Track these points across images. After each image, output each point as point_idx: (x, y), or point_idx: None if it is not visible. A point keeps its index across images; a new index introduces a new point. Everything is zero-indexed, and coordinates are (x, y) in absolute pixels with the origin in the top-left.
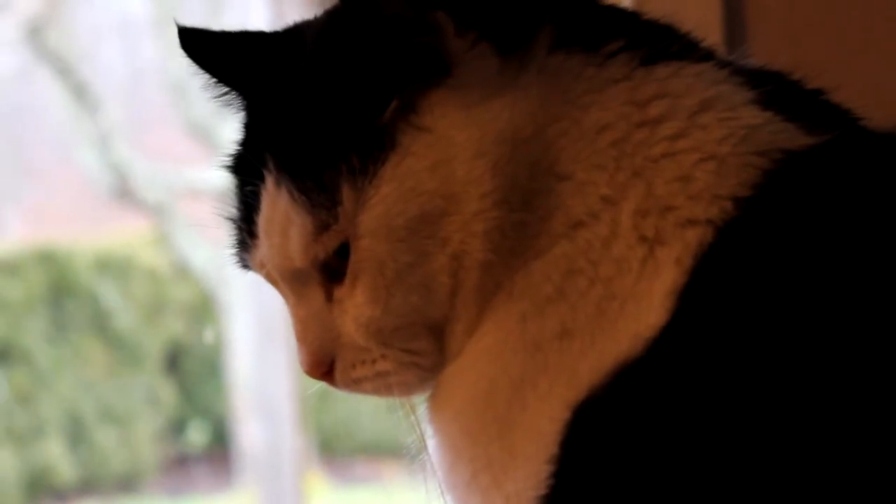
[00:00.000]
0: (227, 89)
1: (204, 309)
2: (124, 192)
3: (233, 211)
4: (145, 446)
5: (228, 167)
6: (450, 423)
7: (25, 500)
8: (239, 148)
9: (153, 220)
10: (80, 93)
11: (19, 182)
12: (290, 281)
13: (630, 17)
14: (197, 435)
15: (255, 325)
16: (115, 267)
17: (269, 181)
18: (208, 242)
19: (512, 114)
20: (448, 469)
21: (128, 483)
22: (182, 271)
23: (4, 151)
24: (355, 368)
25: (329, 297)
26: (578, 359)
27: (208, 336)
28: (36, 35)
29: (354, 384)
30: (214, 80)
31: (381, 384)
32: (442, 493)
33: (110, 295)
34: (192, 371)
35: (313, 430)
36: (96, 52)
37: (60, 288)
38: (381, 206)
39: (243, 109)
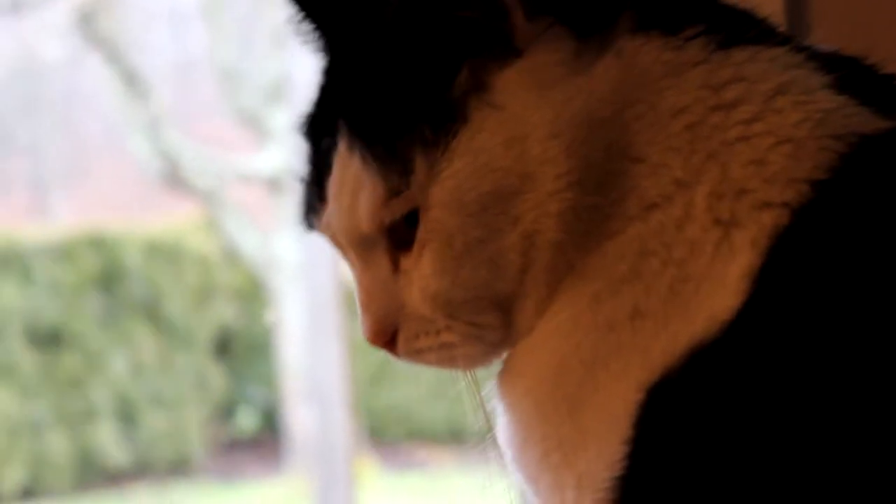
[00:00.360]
0: (312, 27)
1: (253, 294)
2: (174, 179)
3: (303, 173)
4: (195, 431)
5: (301, 128)
6: (520, 401)
7: (77, 482)
8: (313, 109)
9: (203, 206)
10: (131, 80)
11: (71, 169)
12: (356, 247)
13: (708, 2)
14: (246, 420)
15: (306, 311)
16: (165, 252)
17: (342, 144)
18: (257, 228)
19: (589, 96)
20: (519, 447)
21: (178, 467)
22: (231, 257)
23: (56, 138)
24: (419, 339)
25: (395, 267)
26: (651, 339)
27: (266, 319)
28: (87, 22)
29: (417, 354)
30: (302, 13)
31: (444, 356)
32: (511, 471)
33: (160, 280)
34: (242, 356)
35: (363, 415)
36: (146, 39)
37: (111, 273)
38: (453, 179)
39: (323, 54)
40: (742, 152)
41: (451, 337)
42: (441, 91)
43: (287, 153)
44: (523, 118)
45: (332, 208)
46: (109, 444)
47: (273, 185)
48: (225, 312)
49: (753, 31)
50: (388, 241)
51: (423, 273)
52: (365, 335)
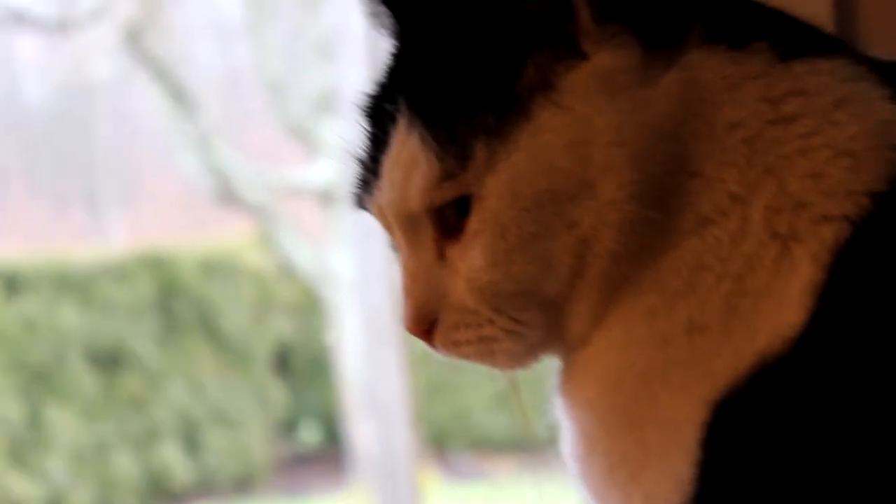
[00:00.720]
0: (382, 7)
1: (310, 309)
2: (226, 194)
3: (360, 150)
4: (257, 447)
5: (363, 106)
6: (582, 414)
7: (143, 502)
8: (377, 89)
9: (256, 221)
10: (179, 96)
11: (123, 188)
12: (404, 227)
13: (774, 14)
14: (308, 434)
15: (364, 324)
16: (220, 269)
17: (402, 122)
18: (310, 242)
19: (654, 108)
20: (583, 461)
21: (241, 484)
22: (286, 271)
23: (107, 158)
24: (459, 330)
25: (440, 254)
26: (711, 354)
27: (323, 334)
28: (134, 40)
29: (454, 346)
30: None
31: (483, 350)
32: (577, 485)
33: (217, 297)
34: (301, 371)
35: (424, 426)
36: (192, 54)
37: (167, 292)
38: (510, 172)
39: (393, 34)
40: (800, 166)
41: (493, 331)
42: (507, 82)
43: (337, 165)
44: (588, 122)
45: (385, 184)
46: (173, 463)
47: (324, 197)
48: (282, 328)
49: (815, 43)
50: (436, 226)
51: (471, 263)
52: (404, 321)
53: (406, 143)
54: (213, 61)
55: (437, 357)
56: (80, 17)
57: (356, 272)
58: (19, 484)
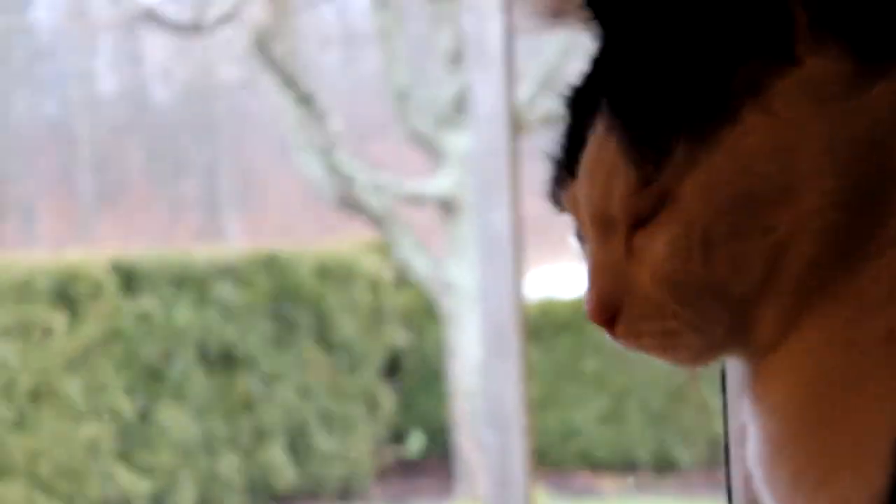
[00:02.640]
0: (590, 10)
1: (424, 317)
2: (346, 200)
3: (557, 145)
4: (364, 453)
5: (564, 99)
6: (770, 416)
7: (247, 502)
8: (580, 84)
9: (375, 228)
10: (304, 101)
11: (243, 190)
12: (598, 225)
13: None
14: (416, 442)
15: (484, 334)
16: (336, 274)
17: (602, 124)
18: (429, 251)
19: (865, 117)
20: (769, 465)
21: (346, 489)
22: (403, 279)
23: (228, 160)
24: (642, 322)
25: (629, 247)
26: None
27: (439, 346)
28: (262, 45)
29: (636, 338)
30: None
31: (666, 343)
32: (761, 492)
33: (332, 302)
34: (412, 379)
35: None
36: (320, 61)
37: (283, 295)
38: (710, 174)
39: (597, 36)
40: None
41: (676, 325)
42: (719, 87)
43: (460, 175)
44: (797, 129)
45: (583, 185)
46: (280, 465)
47: (446, 207)
48: (395, 335)
49: None
50: (628, 222)
51: (657, 254)
52: (588, 311)
53: (605, 145)
54: (340, 68)
55: (546, 372)
56: (210, 20)
57: (478, 282)
58: (127, 478)
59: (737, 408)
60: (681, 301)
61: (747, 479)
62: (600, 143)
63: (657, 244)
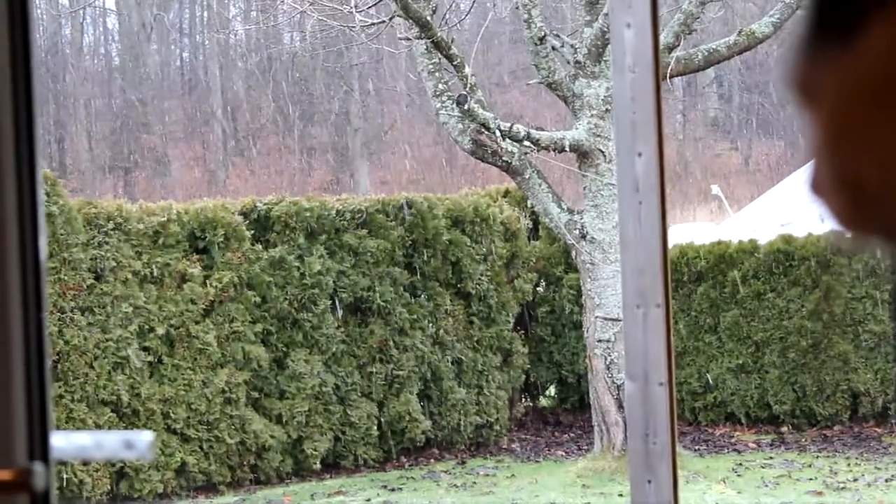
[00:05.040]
0: None
1: (560, 267)
2: (481, 149)
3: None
4: (499, 403)
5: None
6: None
7: (382, 453)
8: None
9: (510, 177)
10: (439, 48)
11: (376, 139)
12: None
13: None
14: (549, 394)
15: (625, 282)
16: (471, 223)
17: None
18: (565, 200)
19: None
20: None
21: (481, 440)
22: (538, 228)
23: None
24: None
25: None
26: None
27: (574, 297)
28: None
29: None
30: None
31: None
32: None
33: (465, 251)
34: (547, 329)
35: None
36: (455, 7)
37: (416, 244)
38: None
39: None
40: None
41: None
42: None
43: (596, 123)
44: None
45: None
46: (413, 414)
47: (581, 155)
48: (530, 285)
49: None
50: None
51: None
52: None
53: None
54: (475, 14)
55: (682, 324)
56: None
57: (620, 229)
58: (262, 425)
59: None
60: None
61: None
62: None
63: None
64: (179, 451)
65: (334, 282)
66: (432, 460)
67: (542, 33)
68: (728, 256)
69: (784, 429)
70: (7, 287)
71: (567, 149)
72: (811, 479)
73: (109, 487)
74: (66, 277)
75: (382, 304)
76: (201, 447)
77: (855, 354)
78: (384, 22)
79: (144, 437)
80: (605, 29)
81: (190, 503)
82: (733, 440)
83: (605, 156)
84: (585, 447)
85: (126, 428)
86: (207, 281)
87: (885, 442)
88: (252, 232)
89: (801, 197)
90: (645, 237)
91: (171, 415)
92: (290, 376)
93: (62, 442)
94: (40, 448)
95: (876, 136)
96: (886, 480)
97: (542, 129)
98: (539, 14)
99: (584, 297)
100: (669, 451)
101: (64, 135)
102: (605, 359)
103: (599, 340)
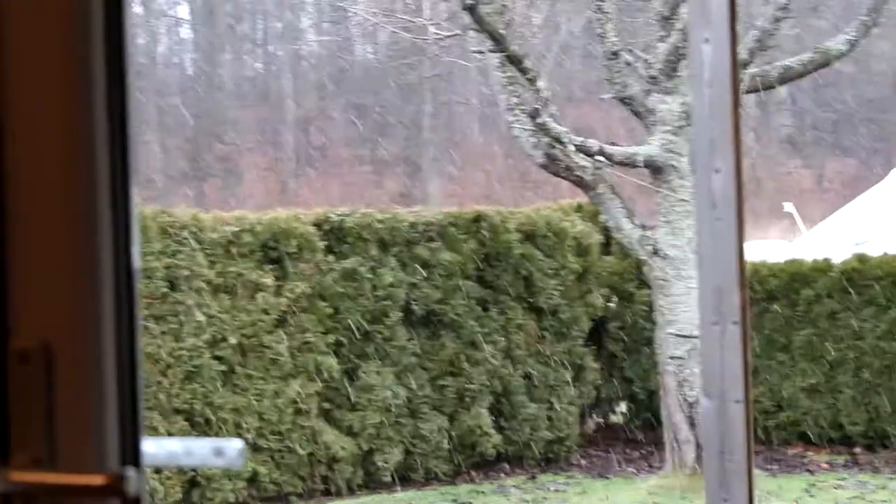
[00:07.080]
0: None
1: (632, 283)
2: (554, 163)
3: None
4: (570, 419)
5: None
6: None
7: (453, 467)
8: None
9: (582, 192)
10: (512, 61)
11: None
12: None
13: None
14: (622, 409)
15: (701, 298)
16: (543, 237)
17: None
18: (639, 216)
19: None
20: None
21: (551, 456)
22: (611, 244)
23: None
24: None
25: None
26: None
27: (647, 313)
28: (470, 4)
29: None
30: None
31: None
32: None
33: (538, 265)
34: (619, 345)
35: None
36: (528, 21)
37: (488, 257)
38: None
39: None
40: None
41: None
42: None
43: (671, 139)
44: None
45: None
46: (484, 429)
47: (655, 171)
48: (603, 300)
49: None
50: None
51: None
52: None
53: None
54: (548, 28)
55: (755, 342)
56: None
57: (697, 246)
58: (333, 437)
59: None
60: None
61: None
62: None
63: None
64: (251, 461)
65: (406, 294)
66: (502, 475)
67: (616, 48)
68: (801, 275)
69: (857, 450)
70: (100, 294)
71: (640, 164)
72: (885, 502)
73: (181, 496)
74: (140, 286)
75: (454, 317)
76: (272, 457)
77: None
78: (457, 34)
79: (234, 445)
80: (680, 44)
81: None
82: (805, 460)
83: (677, 171)
84: (656, 465)
85: (197, 437)
86: (280, 291)
87: None
88: (325, 243)
89: (874, 215)
90: (722, 254)
91: (243, 424)
92: (362, 388)
93: (153, 448)
94: (132, 453)
95: None
96: None
97: (616, 145)
98: (612, 28)
99: (655, 313)
100: (745, 469)
101: (137, 144)
102: (677, 376)
103: (671, 357)
